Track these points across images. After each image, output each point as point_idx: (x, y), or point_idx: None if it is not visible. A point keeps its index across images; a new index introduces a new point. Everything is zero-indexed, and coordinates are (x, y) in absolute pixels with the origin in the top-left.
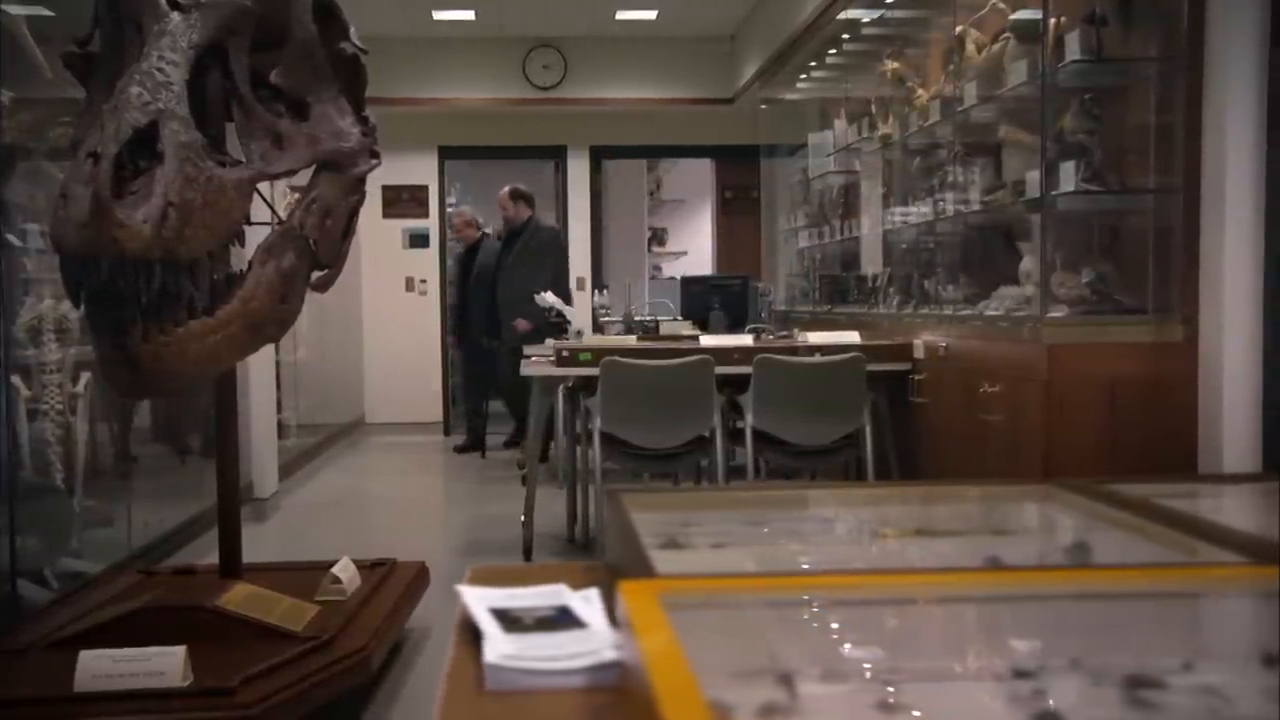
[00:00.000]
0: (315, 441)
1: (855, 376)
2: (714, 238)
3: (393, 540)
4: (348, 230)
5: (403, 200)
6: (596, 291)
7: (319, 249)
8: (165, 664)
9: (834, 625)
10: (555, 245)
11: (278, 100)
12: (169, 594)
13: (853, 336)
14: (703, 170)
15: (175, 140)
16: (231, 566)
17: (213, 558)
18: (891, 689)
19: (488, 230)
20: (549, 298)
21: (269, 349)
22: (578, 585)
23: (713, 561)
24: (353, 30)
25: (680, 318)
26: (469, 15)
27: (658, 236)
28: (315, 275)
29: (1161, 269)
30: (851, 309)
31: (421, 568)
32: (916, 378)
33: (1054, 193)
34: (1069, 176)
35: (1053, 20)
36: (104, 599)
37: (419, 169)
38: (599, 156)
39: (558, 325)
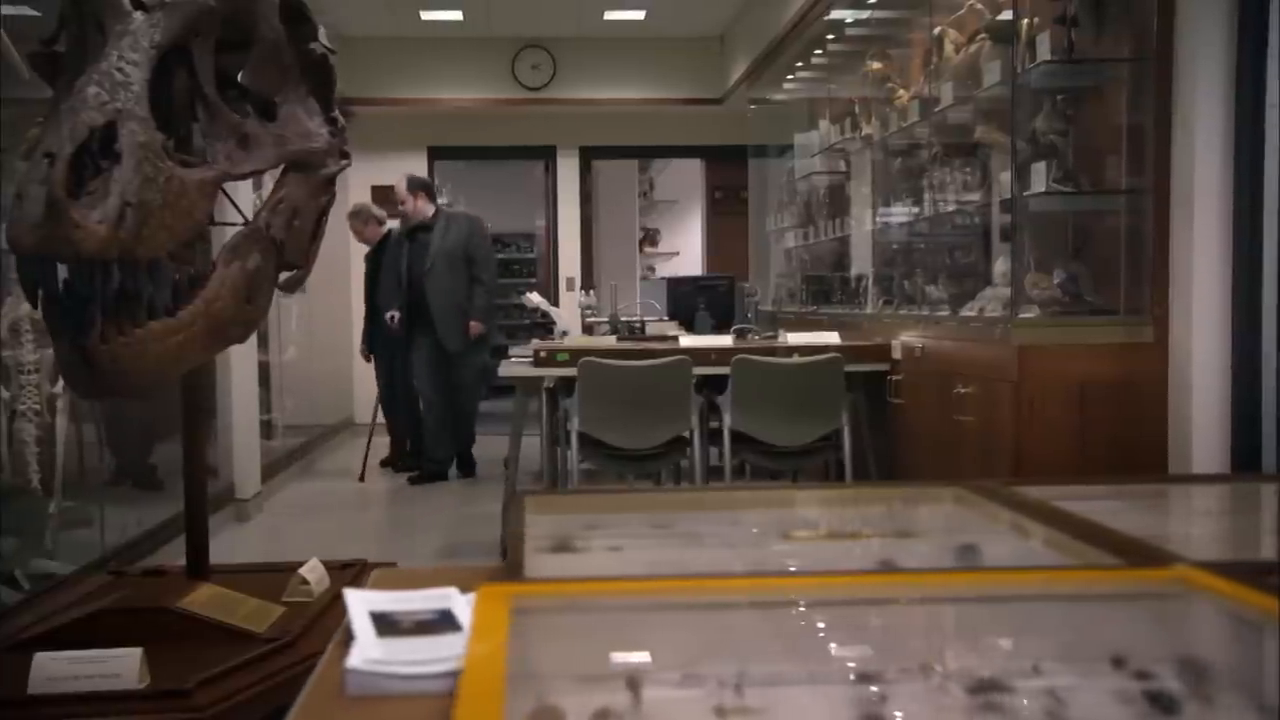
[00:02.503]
0: (302, 442)
1: (833, 377)
2: (703, 238)
3: (375, 541)
4: (317, 231)
5: (392, 201)
6: (583, 292)
7: (286, 250)
8: (121, 666)
9: (695, 629)
10: (475, 235)
11: (245, 101)
12: (134, 595)
13: (832, 337)
14: (695, 171)
15: (133, 140)
16: (199, 567)
17: None
18: (736, 692)
19: (393, 227)
20: (534, 298)
21: (254, 349)
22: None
23: (599, 564)
24: (321, 31)
25: (666, 318)
26: (456, 15)
27: (650, 237)
28: (284, 276)
29: (1133, 269)
30: (835, 309)
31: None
32: (894, 378)
33: (1026, 193)
34: (1040, 177)
35: (1025, 21)
36: (70, 600)
37: (409, 169)
38: (589, 157)
39: (544, 325)
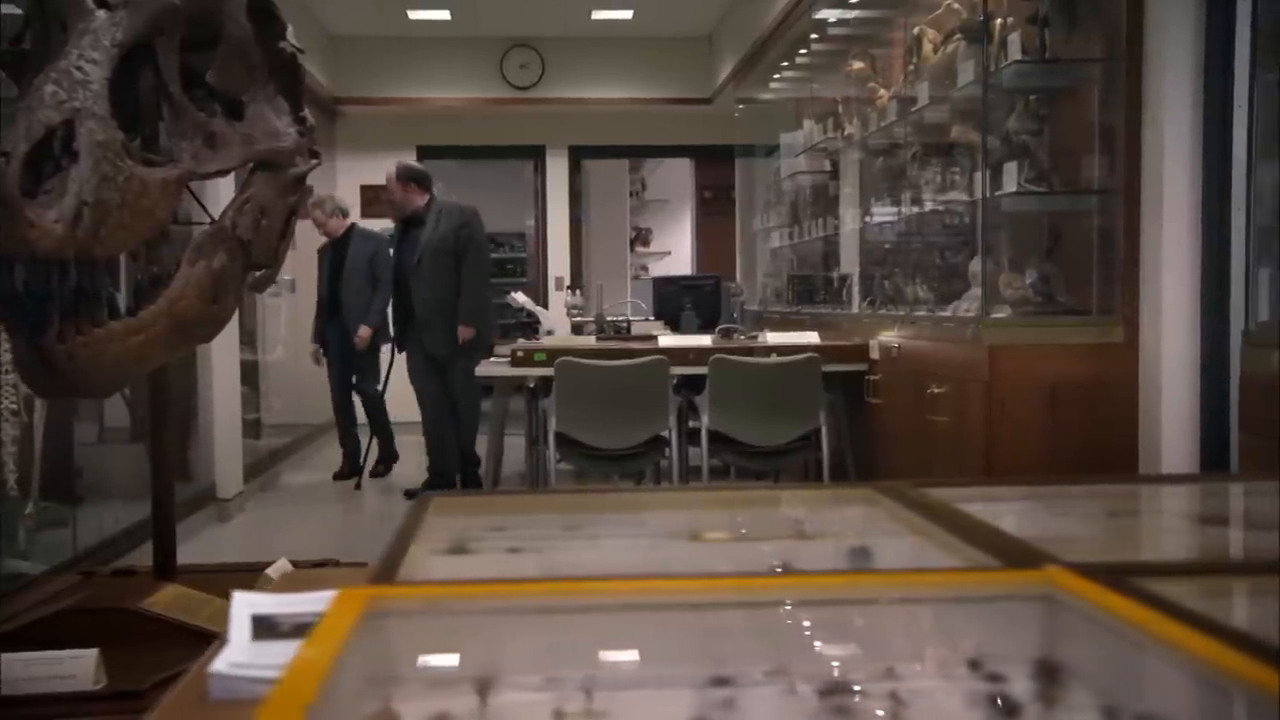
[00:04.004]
0: (289, 441)
1: (811, 377)
2: (693, 238)
3: (358, 540)
4: (286, 230)
5: (382, 200)
6: (569, 292)
7: (254, 249)
8: (77, 667)
9: (558, 633)
10: (465, 227)
11: (213, 100)
12: (98, 596)
13: (811, 337)
14: (686, 170)
15: (91, 139)
16: (166, 568)
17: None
18: (586, 696)
19: (356, 221)
20: (520, 298)
21: (236, 349)
22: None
23: (486, 567)
24: (290, 30)
25: (652, 318)
26: (444, 15)
27: (642, 237)
28: (252, 275)
29: (1104, 269)
30: (818, 309)
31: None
32: (872, 379)
33: (998, 193)
34: (1012, 177)
35: (998, 21)
36: (39, 599)
37: None
38: (578, 156)
39: (530, 325)
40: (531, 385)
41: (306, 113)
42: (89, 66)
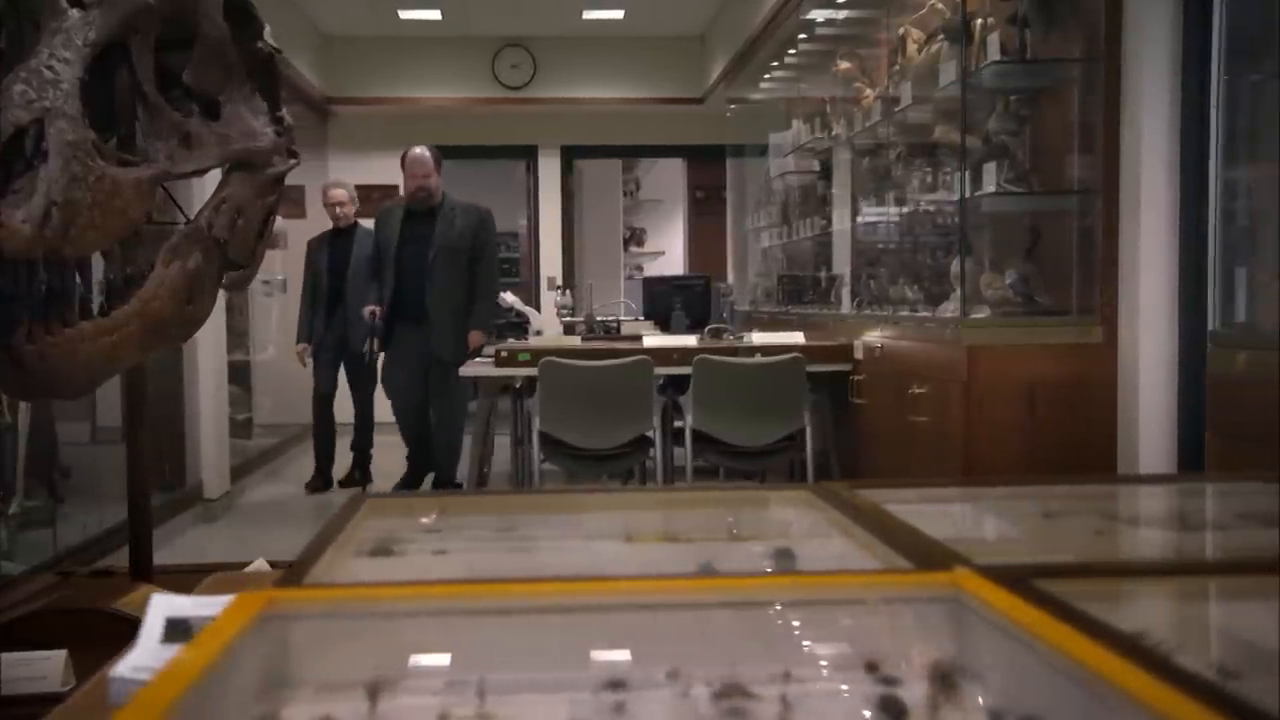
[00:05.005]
0: (279, 441)
1: (795, 377)
2: (685, 237)
3: None
4: (264, 230)
5: (374, 200)
6: (559, 292)
7: (231, 249)
8: (46, 668)
9: (461, 635)
10: (485, 229)
11: (190, 100)
12: (72, 596)
13: (796, 337)
14: (680, 170)
15: (61, 139)
16: (142, 568)
17: (157, 557)
18: (479, 699)
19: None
20: (509, 298)
21: (223, 350)
22: None
23: (408, 568)
24: (268, 29)
25: (642, 318)
26: (435, 15)
27: (636, 237)
28: (229, 275)
29: (1084, 270)
30: (806, 309)
31: None
32: (856, 379)
33: (977, 194)
34: (992, 177)
35: (979, 21)
36: (13, 601)
37: (389, 169)
38: (570, 156)
39: (519, 325)
40: (517, 386)
41: (284, 113)
42: (60, 66)
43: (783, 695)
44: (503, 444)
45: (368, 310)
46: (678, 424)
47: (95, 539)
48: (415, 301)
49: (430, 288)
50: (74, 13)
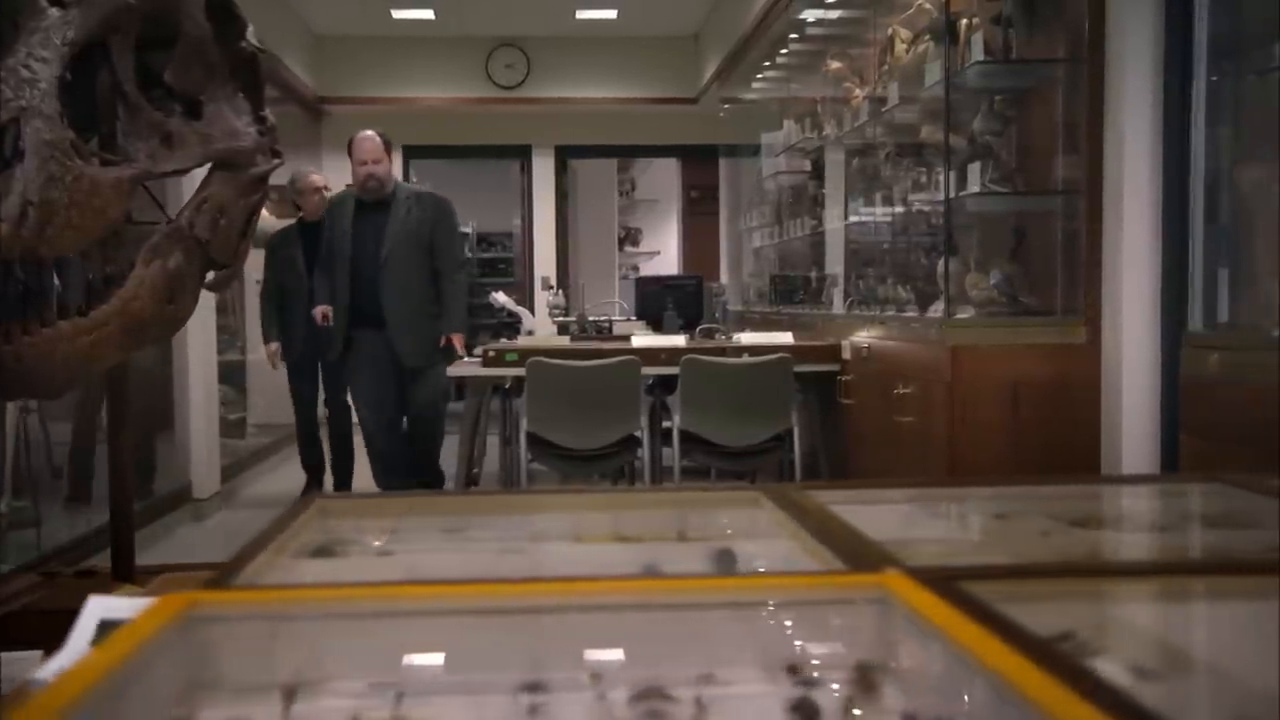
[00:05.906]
0: (272, 440)
1: (783, 378)
2: (679, 237)
3: None
4: (247, 230)
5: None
6: (552, 292)
7: (213, 249)
8: (21, 669)
9: (386, 637)
10: (444, 220)
11: (171, 99)
12: (49, 597)
13: (784, 337)
14: (675, 170)
15: (38, 138)
16: (123, 568)
17: (145, 557)
18: (397, 702)
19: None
20: (500, 298)
21: (213, 349)
22: None
23: (346, 571)
24: (250, 29)
25: (634, 318)
26: (428, 15)
27: (632, 236)
28: (211, 275)
29: (1068, 270)
30: (797, 309)
31: None
32: (844, 379)
33: (961, 194)
34: (976, 178)
35: (963, 21)
36: None
37: None
38: (564, 156)
39: (511, 325)
40: (506, 386)
41: (267, 112)
42: (38, 65)
43: (698, 698)
44: (494, 444)
45: (318, 311)
46: (666, 424)
47: (81, 538)
48: (371, 302)
49: (385, 287)
50: (53, 12)
